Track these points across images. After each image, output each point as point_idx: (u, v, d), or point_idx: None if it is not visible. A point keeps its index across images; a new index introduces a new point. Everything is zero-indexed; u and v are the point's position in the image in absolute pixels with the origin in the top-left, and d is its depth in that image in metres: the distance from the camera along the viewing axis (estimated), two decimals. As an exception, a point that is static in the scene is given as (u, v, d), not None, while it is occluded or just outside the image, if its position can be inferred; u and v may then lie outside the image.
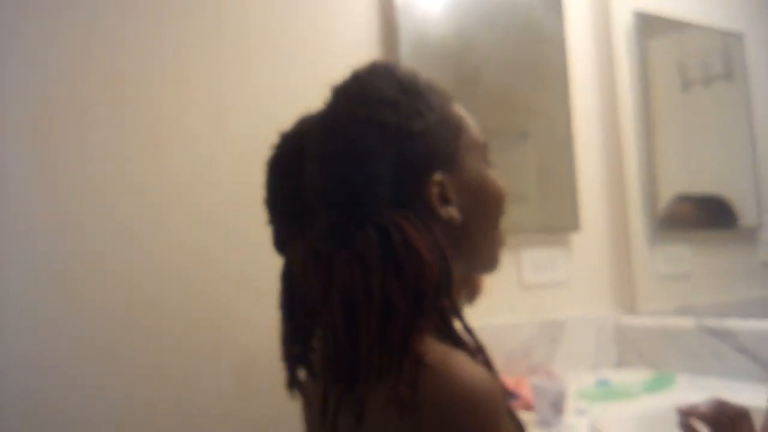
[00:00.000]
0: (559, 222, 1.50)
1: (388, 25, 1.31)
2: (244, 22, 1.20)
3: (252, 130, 1.06)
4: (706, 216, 1.69)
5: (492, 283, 1.38)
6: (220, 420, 1.10)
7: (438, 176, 0.60)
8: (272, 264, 0.65)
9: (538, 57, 1.49)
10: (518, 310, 1.42)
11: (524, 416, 1.06)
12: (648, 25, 1.65)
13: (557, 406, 1.00)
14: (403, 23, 1.30)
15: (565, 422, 1.01)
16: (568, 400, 1.04)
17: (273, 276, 0.65)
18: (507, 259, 1.41)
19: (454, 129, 0.64)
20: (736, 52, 1.75)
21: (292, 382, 0.62)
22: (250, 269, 1.10)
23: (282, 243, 0.64)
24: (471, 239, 0.64)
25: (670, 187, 1.66)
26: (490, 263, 0.68)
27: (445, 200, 0.61)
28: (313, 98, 0.64)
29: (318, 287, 0.58)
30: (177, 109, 1.13)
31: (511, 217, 1.41)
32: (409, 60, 1.29)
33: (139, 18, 1.13)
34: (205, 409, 1.09)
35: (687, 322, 1.38)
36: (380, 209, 0.57)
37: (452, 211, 0.61)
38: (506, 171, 1.38)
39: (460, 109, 0.66)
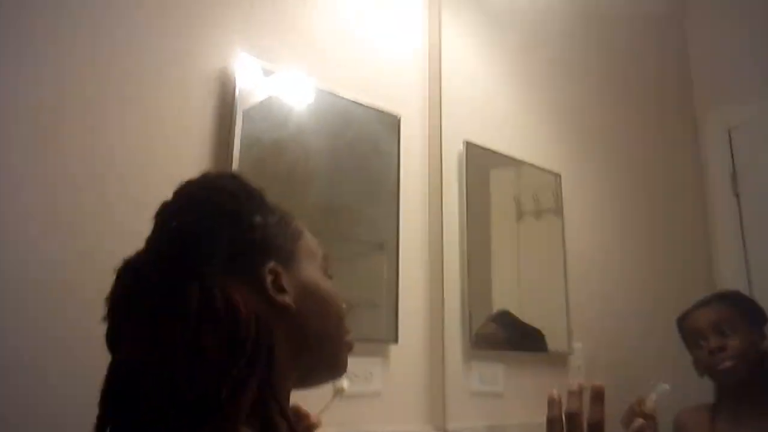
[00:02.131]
0: (378, 333, 1.50)
1: (224, 123, 1.30)
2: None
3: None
4: (520, 339, 1.77)
5: (303, 393, 1.35)
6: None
7: (274, 266, 0.61)
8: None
9: (371, 169, 1.55)
10: (330, 421, 1.37)
11: None
12: (481, 156, 1.79)
13: None
14: (239, 122, 1.30)
15: None
16: None
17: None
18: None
19: (294, 233, 0.66)
20: (557, 189, 1.94)
21: None
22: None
23: (113, 336, 0.61)
24: (310, 338, 0.63)
25: (489, 308, 1.74)
26: (333, 364, 0.68)
27: (281, 289, 0.61)
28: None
29: (140, 358, 0.55)
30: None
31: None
32: (242, 157, 1.28)
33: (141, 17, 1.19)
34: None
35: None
36: (208, 273, 0.57)
37: (287, 299, 0.61)
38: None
39: (300, 224, 0.69)
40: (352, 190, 1.51)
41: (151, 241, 0.63)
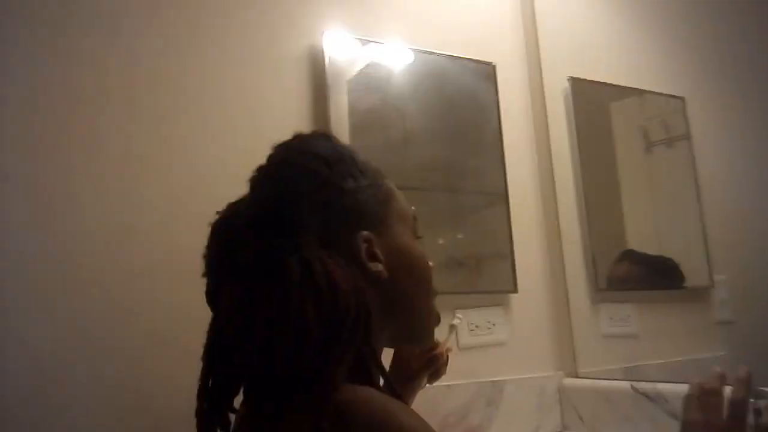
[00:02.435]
0: (496, 284, 1.50)
1: (318, 96, 1.36)
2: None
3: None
4: (652, 276, 1.68)
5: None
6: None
7: (366, 234, 0.63)
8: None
9: (471, 123, 1.54)
10: (455, 372, 1.41)
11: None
12: (595, 91, 1.70)
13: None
14: (333, 95, 1.35)
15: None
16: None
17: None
18: (444, 322, 1.42)
19: (385, 196, 0.68)
20: (683, 114, 1.79)
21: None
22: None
23: (213, 294, 0.65)
24: (400, 305, 0.66)
25: (621, 247, 1.67)
26: (421, 334, 0.71)
27: (373, 257, 0.64)
28: (245, 163, 0.70)
29: (242, 325, 0.58)
30: (178, 116, 1.21)
31: (446, 280, 1.43)
32: (337, 128, 1.33)
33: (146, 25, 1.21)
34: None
35: (622, 385, 1.36)
36: (305, 245, 0.59)
37: (379, 267, 0.63)
38: (438, 233, 1.43)
39: (391, 184, 0.70)
40: (455, 145, 1.51)
41: (248, 205, 0.65)
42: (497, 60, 1.61)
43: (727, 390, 0.69)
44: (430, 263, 0.72)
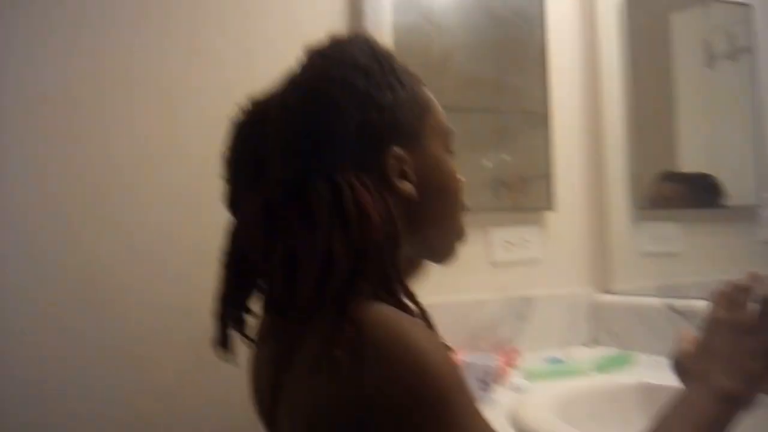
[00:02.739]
0: (532, 201, 1.50)
1: (354, 13, 1.34)
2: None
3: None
4: (694, 194, 1.65)
5: (459, 261, 1.43)
6: (219, 414, 1.17)
7: (398, 151, 0.61)
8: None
9: (513, 36, 1.49)
10: (486, 287, 1.45)
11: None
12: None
13: (485, 381, 1.04)
14: (368, 11, 1.33)
15: (490, 398, 1.05)
16: (496, 375, 1.08)
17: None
18: (475, 238, 1.45)
19: (422, 109, 0.65)
20: (746, 25, 1.68)
21: (222, 342, 0.61)
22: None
23: (234, 200, 0.64)
24: (426, 221, 0.65)
25: (656, 165, 1.63)
26: (444, 252, 0.69)
27: (403, 175, 0.62)
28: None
29: (262, 239, 0.58)
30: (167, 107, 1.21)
31: (488, 200, 1.44)
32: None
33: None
34: (202, 404, 1.17)
35: (655, 302, 1.37)
36: (336, 167, 0.57)
37: (408, 187, 0.62)
38: (482, 154, 1.43)
39: (429, 93, 0.68)
40: (497, 62, 1.47)
41: (278, 113, 0.61)
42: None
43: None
44: (462, 178, 0.69)
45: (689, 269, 1.55)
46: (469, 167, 1.44)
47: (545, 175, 1.50)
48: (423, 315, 0.59)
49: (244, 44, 1.26)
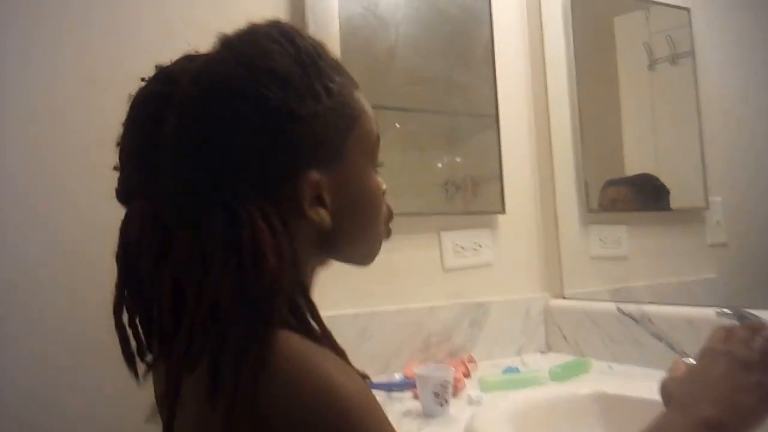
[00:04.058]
0: (484, 205, 1.46)
1: (296, 4, 1.27)
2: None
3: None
4: (640, 196, 1.64)
5: (412, 267, 1.37)
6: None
7: (315, 175, 0.53)
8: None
9: (461, 34, 1.45)
10: (439, 293, 1.40)
11: (412, 405, 1.05)
12: (598, 2, 1.59)
13: (440, 395, 0.98)
14: (310, 2, 1.25)
15: (447, 413, 0.99)
16: (453, 388, 1.02)
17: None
18: (428, 243, 1.39)
19: (349, 120, 0.56)
20: (686, 29, 1.69)
21: (127, 356, 0.54)
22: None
23: (126, 193, 0.55)
24: (342, 241, 0.59)
25: (604, 168, 1.62)
26: (362, 260, 0.63)
27: (318, 201, 0.54)
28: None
29: (149, 260, 0.51)
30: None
31: (440, 203, 1.38)
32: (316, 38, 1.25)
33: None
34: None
35: (608, 306, 1.35)
36: (237, 192, 0.49)
37: (323, 215, 0.54)
38: (423, 150, 1.37)
39: (361, 98, 0.59)
40: (444, 58, 1.43)
41: (175, 121, 0.52)
42: (491, -36, 1.50)
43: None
44: (383, 187, 0.63)
45: (639, 272, 1.54)
46: (419, 168, 1.39)
47: (496, 177, 1.46)
48: (327, 336, 0.53)
49: (170, 27, 1.16)
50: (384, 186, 0.63)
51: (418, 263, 1.38)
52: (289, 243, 0.50)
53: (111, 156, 0.56)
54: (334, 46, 1.28)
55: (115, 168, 0.56)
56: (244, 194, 0.49)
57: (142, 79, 0.56)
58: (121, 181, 0.56)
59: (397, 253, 1.34)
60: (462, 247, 1.43)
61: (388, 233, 0.64)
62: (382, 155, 0.63)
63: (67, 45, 1.09)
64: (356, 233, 0.60)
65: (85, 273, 1.05)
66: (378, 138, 0.62)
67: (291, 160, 0.52)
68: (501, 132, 1.47)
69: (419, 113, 1.40)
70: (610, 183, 1.60)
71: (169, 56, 0.58)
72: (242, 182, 0.50)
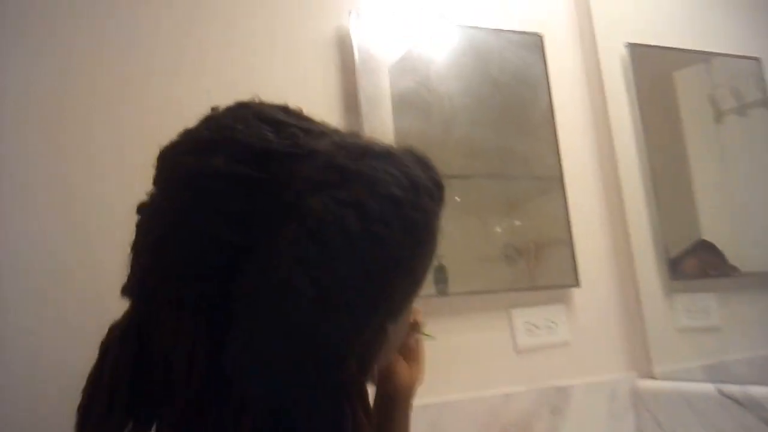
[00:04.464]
0: (555, 278, 1.36)
1: (347, 85, 1.25)
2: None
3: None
4: (730, 261, 1.50)
5: (481, 350, 1.27)
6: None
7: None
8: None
9: (518, 101, 1.40)
10: (513, 378, 1.28)
11: None
12: (656, 58, 1.53)
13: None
14: (362, 82, 1.23)
15: None
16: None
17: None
18: (497, 322, 1.29)
19: (421, 261, 0.46)
20: (759, 76, 1.60)
21: None
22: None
23: (134, 285, 0.50)
24: None
25: (680, 230, 1.50)
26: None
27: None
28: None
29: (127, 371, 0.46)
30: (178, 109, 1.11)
31: (501, 274, 1.30)
32: (370, 118, 1.22)
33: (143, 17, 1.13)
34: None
35: (707, 388, 1.20)
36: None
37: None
38: (483, 217, 1.30)
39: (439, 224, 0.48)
40: (501, 127, 1.38)
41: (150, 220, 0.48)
42: (544, 30, 1.46)
43: None
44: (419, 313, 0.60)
45: (735, 344, 1.39)
46: (479, 237, 1.32)
47: (563, 242, 1.36)
48: None
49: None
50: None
51: (488, 345, 1.28)
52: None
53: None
54: (387, 123, 1.24)
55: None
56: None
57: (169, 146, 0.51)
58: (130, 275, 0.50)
59: (465, 336, 1.25)
60: (535, 326, 1.32)
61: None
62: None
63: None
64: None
65: (88, 273, 1.01)
66: (418, 314, 0.60)
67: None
68: (567, 193, 1.38)
69: (477, 179, 1.34)
70: (693, 250, 1.47)
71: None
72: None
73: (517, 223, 1.35)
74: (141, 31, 1.13)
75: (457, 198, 1.30)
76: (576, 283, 1.35)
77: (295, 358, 0.38)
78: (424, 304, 1.25)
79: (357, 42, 1.24)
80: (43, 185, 1.03)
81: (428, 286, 1.23)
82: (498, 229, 1.33)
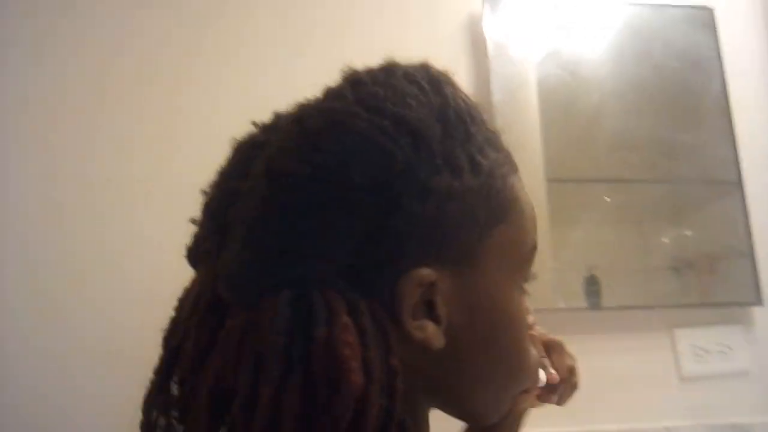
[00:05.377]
0: (730, 293, 1.16)
1: (480, 71, 1.15)
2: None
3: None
4: None
5: (637, 374, 1.11)
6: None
7: (428, 273, 0.37)
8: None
9: (684, 87, 1.22)
10: (676, 410, 1.10)
11: None
12: None
13: None
14: (496, 68, 1.13)
15: None
16: None
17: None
18: (658, 344, 1.13)
19: (495, 211, 0.41)
20: None
21: None
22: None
23: (195, 256, 0.45)
24: (453, 375, 0.42)
25: None
26: (479, 414, 0.45)
27: (429, 310, 0.38)
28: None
29: (193, 351, 0.39)
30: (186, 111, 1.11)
31: (664, 288, 1.14)
32: (504, 108, 1.11)
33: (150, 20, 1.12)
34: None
35: None
36: (315, 276, 0.36)
37: (431, 332, 0.38)
38: (641, 224, 1.14)
39: (520, 188, 0.43)
40: (660, 117, 1.21)
41: (262, 178, 0.39)
42: (715, 3, 1.27)
43: None
44: (530, 319, 0.46)
45: None
46: (637, 247, 1.16)
47: (743, 255, 1.16)
48: None
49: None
50: (532, 318, 0.44)
51: (646, 370, 1.12)
52: (381, 359, 0.35)
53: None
54: (524, 115, 1.12)
55: (192, 221, 0.45)
56: (328, 279, 0.36)
57: (248, 137, 0.44)
58: (194, 239, 0.45)
59: (618, 356, 1.10)
60: (704, 349, 1.13)
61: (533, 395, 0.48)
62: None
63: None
64: (479, 371, 0.42)
65: (89, 273, 1.00)
66: (534, 247, 0.44)
67: (401, 245, 0.37)
68: (747, 199, 1.17)
69: (633, 183, 1.18)
70: None
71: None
72: (328, 262, 0.36)
73: (687, 233, 1.17)
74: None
75: (606, 198, 1.15)
76: (758, 300, 1.14)
77: None
78: (573, 317, 1.15)
79: (489, 28, 1.15)
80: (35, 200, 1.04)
81: (578, 298, 1.09)
82: (664, 240, 1.16)
